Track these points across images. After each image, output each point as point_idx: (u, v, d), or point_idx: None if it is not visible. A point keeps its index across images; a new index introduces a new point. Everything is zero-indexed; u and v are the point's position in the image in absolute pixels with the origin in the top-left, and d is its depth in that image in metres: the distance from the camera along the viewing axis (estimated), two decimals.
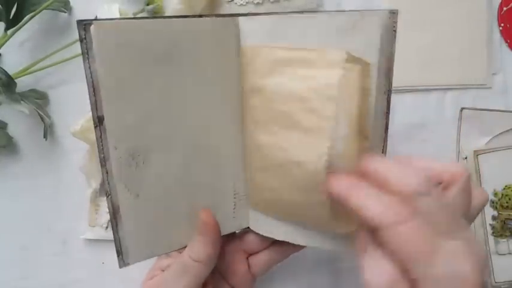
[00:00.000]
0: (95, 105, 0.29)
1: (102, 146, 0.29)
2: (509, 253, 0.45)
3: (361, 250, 0.24)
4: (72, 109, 0.44)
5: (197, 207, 0.33)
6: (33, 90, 0.44)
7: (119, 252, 0.31)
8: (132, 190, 0.31)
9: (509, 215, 0.45)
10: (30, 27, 0.43)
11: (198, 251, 0.32)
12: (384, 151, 0.32)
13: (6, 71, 0.40)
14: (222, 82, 0.32)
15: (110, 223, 0.35)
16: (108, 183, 0.30)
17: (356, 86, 0.27)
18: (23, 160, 0.46)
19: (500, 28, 0.43)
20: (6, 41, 0.42)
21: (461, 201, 0.26)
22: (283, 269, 0.44)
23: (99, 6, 0.43)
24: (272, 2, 0.44)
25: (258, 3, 0.44)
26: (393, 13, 0.29)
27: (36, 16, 0.41)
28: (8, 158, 0.46)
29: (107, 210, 0.34)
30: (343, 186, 0.25)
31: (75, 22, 0.27)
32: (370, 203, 0.23)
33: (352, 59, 0.28)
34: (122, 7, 0.44)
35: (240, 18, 0.32)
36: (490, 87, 0.43)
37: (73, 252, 0.45)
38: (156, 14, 0.43)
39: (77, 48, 0.29)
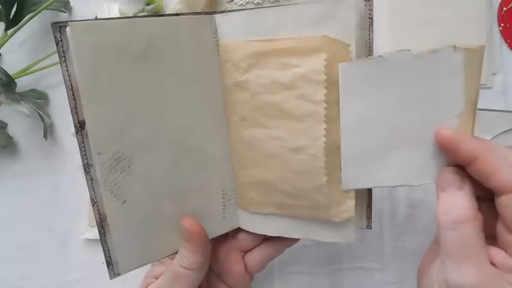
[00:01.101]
0: (75, 109, 0.28)
1: (85, 152, 0.28)
2: None
3: (440, 189, 0.27)
4: None
5: (186, 210, 0.32)
6: (33, 90, 0.44)
7: (109, 263, 0.30)
8: (119, 196, 0.29)
9: None
10: (30, 27, 0.43)
11: (188, 259, 0.31)
12: None
13: (6, 71, 0.40)
14: (203, 80, 0.32)
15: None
16: (94, 191, 0.29)
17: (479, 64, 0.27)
18: (23, 160, 0.46)
19: (500, 28, 0.43)
20: (6, 41, 0.42)
21: None
22: (283, 269, 0.44)
23: (99, 6, 0.43)
24: (272, 2, 0.44)
25: (258, 3, 0.44)
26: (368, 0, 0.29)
27: (36, 16, 0.41)
28: (8, 158, 0.46)
29: None
30: (480, 147, 0.26)
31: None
32: (506, 169, 0.25)
33: (331, 41, 0.28)
34: (122, 7, 0.44)
35: (217, 15, 0.32)
36: (490, 87, 0.43)
37: (73, 252, 0.45)
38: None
39: None
